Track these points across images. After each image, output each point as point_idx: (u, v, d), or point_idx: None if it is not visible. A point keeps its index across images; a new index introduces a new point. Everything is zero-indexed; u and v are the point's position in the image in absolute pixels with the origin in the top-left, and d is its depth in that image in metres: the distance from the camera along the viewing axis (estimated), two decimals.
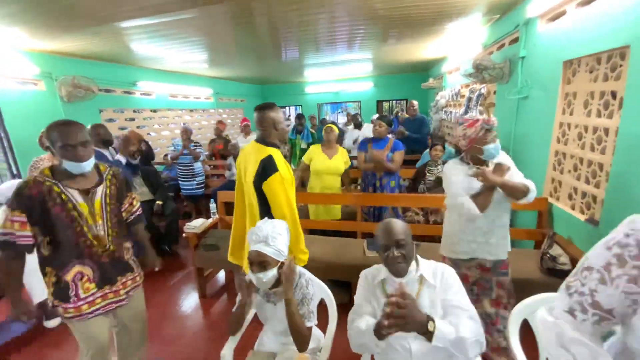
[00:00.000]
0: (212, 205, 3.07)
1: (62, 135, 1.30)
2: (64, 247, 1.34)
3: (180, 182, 4.47)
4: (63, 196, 1.33)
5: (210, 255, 2.67)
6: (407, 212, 3.17)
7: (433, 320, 1.05)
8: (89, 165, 1.37)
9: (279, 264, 1.30)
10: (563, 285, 0.84)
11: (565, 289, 0.82)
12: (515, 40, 3.02)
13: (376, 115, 5.87)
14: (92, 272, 1.41)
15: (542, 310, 0.83)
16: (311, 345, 1.49)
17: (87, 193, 1.40)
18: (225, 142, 5.26)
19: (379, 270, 1.29)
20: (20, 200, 1.26)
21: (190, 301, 2.82)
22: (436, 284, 1.21)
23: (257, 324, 1.61)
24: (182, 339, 2.33)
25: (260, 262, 1.26)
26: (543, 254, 2.08)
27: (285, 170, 1.66)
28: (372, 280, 1.28)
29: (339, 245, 2.65)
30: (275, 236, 1.27)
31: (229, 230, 3.00)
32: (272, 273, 1.27)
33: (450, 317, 1.14)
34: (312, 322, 1.34)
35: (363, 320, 1.18)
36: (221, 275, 3.19)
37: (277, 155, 1.67)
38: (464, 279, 1.43)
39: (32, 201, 1.27)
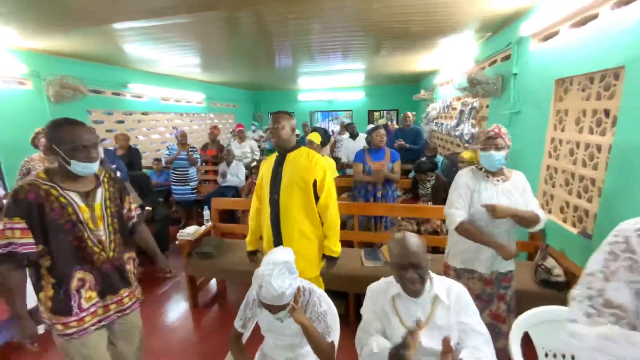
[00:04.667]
0: (206, 212, 3.00)
1: (76, 136, 1.24)
2: (63, 254, 1.26)
3: (173, 187, 4.37)
4: (62, 199, 1.25)
5: (204, 264, 2.60)
6: (401, 222, 3.18)
7: None
8: (97, 166, 1.32)
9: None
10: (571, 298, 0.87)
11: (573, 299, 0.85)
12: (508, 57, 3.13)
13: (371, 126, 5.93)
14: (94, 279, 1.34)
15: (566, 331, 0.84)
16: (312, 358, 1.46)
17: (87, 196, 1.33)
18: (219, 148, 5.19)
19: (390, 285, 1.26)
20: (18, 206, 1.18)
21: (181, 312, 2.73)
22: (450, 304, 1.18)
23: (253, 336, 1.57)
24: (173, 352, 2.24)
25: (278, 310, 1.23)
26: (537, 265, 2.13)
27: None
28: (382, 296, 1.25)
29: None
30: (290, 284, 1.19)
31: (223, 238, 2.97)
32: (287, 310, 1.26)
33: (468, 341, 1.13)
34: (332, 336, 1.32)
35: (373, 340, 1.15)
36: (213, 284, 3.11)
37: None
38: None
39: (29, 206, 1.19)
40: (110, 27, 3.04)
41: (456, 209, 1.65)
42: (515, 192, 1.62)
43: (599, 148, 1.96)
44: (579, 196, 2.12)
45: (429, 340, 1.16)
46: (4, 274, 1.19)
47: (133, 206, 1.59)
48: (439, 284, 1.22)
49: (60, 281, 1.27)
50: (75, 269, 1.30)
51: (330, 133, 6.39)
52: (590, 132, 2.05)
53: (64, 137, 1.23)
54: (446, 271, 1.83)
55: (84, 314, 1.31)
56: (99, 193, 1.38)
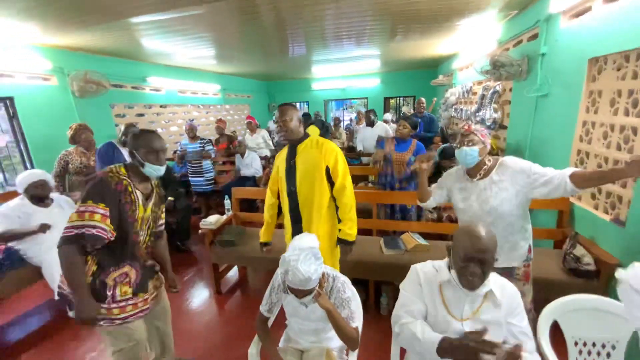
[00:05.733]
0: (227, 202, 3.06)
1: (149, 142, 1.42)
2: (122, 246, 1.37)
3: (190, 179, 4.48)
4: (133, 196, 1.39)
5: (226, 252, 2.68)
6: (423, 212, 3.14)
7: None
8: (164, 169, 1.48)
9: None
10: None
11: None
12: (534, 36, 2.97)
13: (388, 115, 5.82)
14: (136, 275, 1.45)
15: None
16: (337, 344, 1.49)
17: (147, 198, 1.47)
18: (229, 140, 5.25)
19: (440, 271, 1.21)
20: (105, 194, 1.29)
21: (206, 297, 2.83)
22: (502, 303, 1.14)
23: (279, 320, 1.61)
24: (200, 335, 2.34)
25: (304, 295, 1.26)
26: (566, 254, 2.06)
27: None
28: (431, 280, 1.21)
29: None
30: (316, 269, 1.22)
31: (244, 226, 3.04)
32: (312, 295, 1.29)
33: (517, 342, 1.08)
34: (356, 322, 1.34)
35: (418, 324, 1.13)
36: (234, 271, 3.20)
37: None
38: None
39: (114, 195, 1.31)
40: (127, 21, 3.09)
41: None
42: (494, 187, 1.52)
43: (634, 131, 1.85)
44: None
45: None
46: (68, 254, 1.25)
47: (163, 215, 1.68)
48: (494, 281, 1.17)
49: (102, 270, 1.35)
50: (125, 261, 1.40)
51: (349, 122, 6.33)
52: (625, 113, 1.93)
53: (140, 143, 1.42)
54: None
55: (113, 305, 1.37)
56: (153, 197, 1.51)
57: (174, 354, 1.82)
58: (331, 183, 1.82)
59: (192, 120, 6.54)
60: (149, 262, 1.59)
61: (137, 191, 1.41)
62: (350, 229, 1.84)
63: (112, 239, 1.31)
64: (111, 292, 1.37)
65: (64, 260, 1.25)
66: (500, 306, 1.14)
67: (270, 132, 6.55)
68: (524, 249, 1.60)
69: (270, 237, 2.12)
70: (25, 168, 3.57)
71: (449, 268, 1.19)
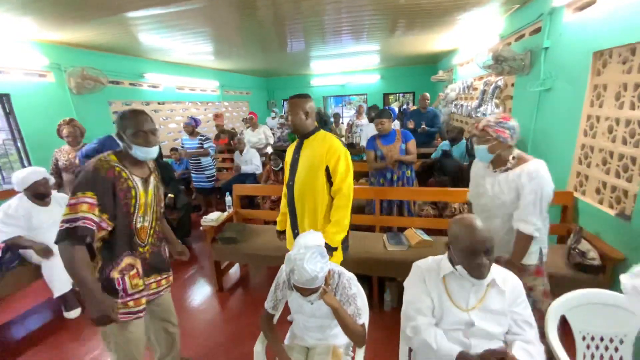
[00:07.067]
0: (228, 199, 3.04)
1: (136, 122, 1.32)
2: (118, 237, 1.31)
3: (192, 175, 4.47)
4: (129, 182, 1.32)
5: (228, 249, 2.65)
6: (423, 207, 3.13)
7: None
8: (156, 151, 1.39)
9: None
10: None
11: None
12: (537, 30, 2.94)
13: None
14: (141, 265, 1.40)
15: None
16: (343, 341, 1.48)
17: (145, 182, 1.40)
18: (230, 136, 5.20)
19: (440, 265, 1.26)
20: (95, 182, 1.21)
21: (207, 295, 2.81)
22: (505, 290, 1.19)
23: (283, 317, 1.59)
24: (203, 333, 2.32)
25: (310, 293, 1.24)
26: (571, 249, 2.05)
27: None
28: (434, 275, 1.25)
29: (358, 238, 2.62)
30: (322, 267, 1.19)
31: (245, 223, 3.01)
32: (318, 292, 1.27)
33: (519, 331, 1.17)
34: (362, 318, 1.33)
35: (432, 332, 1.17)
36: (236, 268, 3.18)
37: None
38: None
39: (106, 184, 1.23)
40: (125, 16, 3.04)
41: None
42: (505, 185, 1.54)
43: None
44: (618, 175, 2.01)
45: (482, 321, 1.17)
46: (63, 251, 1.16)
47: (165, 198, 1.65)
48: (495, 271, 1.21)
49: (106, 265, 1.31)
50: (125, 253, 1.34)
51: (351, 120, 6.29)
52: (631, 107, 1.92)
53: (127, 124, 1.32)
54: None
55: (128, 298, 1.35)
56: (152, 180, 1.45)
57: (179, 353, 1.80)
58: (331, 183, 1.76)
59: (189, 116, 6.47)
60: (159, 249, 1.53)
61: (133, 177, 1.34)
62: (334, 234, 1.69)
63: (109, 228, 1.25)
64: (121, 285, 1.33)
65: (63, 258, 1.17)
66: (504, 294, 1.19)
67: (271, 129, 6.50)
68: (531, 249, 1.59)
69: (285, 225, 2.04)
70: (23, 166, 3.52)
71: (452, 263, 1.21)
